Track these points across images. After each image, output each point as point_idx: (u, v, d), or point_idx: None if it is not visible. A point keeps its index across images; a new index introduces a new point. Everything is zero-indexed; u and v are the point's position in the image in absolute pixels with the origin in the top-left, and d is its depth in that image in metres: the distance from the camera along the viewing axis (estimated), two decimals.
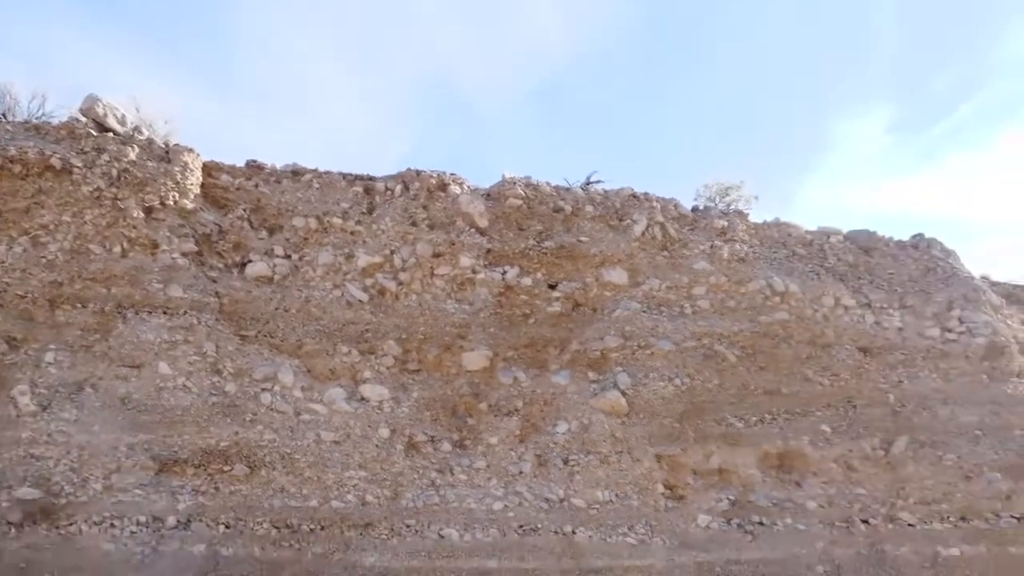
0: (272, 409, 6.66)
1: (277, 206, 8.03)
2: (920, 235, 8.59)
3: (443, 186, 8.30)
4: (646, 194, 8.58)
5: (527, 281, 7.93)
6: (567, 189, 8.57)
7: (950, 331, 7.90)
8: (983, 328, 7.83)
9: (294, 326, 7.49)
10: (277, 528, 6.15)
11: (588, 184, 8.79)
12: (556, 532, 6.57)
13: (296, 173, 8.07)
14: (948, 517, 7.27)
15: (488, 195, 8.39)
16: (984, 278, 8.87)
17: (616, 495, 6.93)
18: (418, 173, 8.34)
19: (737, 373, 7.65)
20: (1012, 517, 7.27)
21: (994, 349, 7.81)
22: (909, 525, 7.24)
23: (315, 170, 8.12)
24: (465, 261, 7.82)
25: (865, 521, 7.28)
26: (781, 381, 7.71)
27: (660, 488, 7.13)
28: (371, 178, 8.26)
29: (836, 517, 7.28)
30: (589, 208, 8.39)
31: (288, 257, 7.79)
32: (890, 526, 7.24)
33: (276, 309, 7.51)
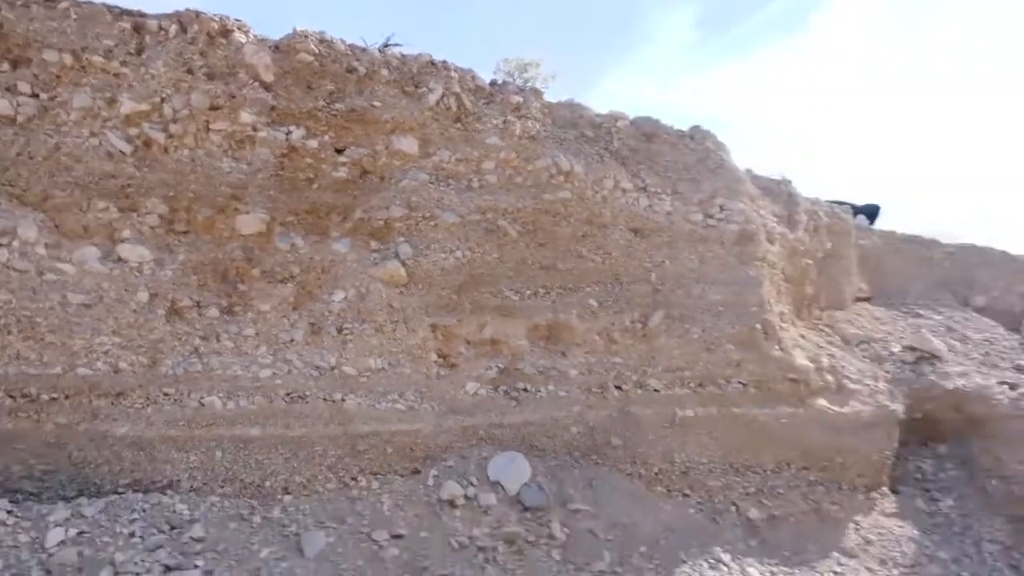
0: (9, 267, 6.35)
1: (24, 35, 7.26)
2: (697, 127, 9.51)
3: (226, 32, 7.87)
4: (444, 63, 8.66)
5: (313, 144, 7.89)
6: (363, 50, 8.43)
7: (711, 217, 9.01)
8: (738, 216, 9.01)
9: (40, 175, 6.99)
10: (12, 397, 6.05)
11: (386, 47, 8.69)
12: (325, 399, 7.02)
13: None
14: (689, 383, 8.61)
15: (276, 47, 8.07)
16: (748, 171, 10.06)
17: (389, 363, 7.46)
18: (198, 15, 7.79)
19: (517, 248, 8.29)
20: (739, 383, 8.75)
21: (745, 235, 9.04)
22: (655, 390, 8.50)
23: None
24: (246, 117, 7.60)
25: (619, 387, 8.43)
26: (557, 257, 8.47)
27: (433, 357, 7.76)
28: (142, 15, 7.58)
29: (594, 384, 8.35)
30: (384, 72, 8.36)
31: (36, 96, 7.15)
32: (639, 391, 8.45)
33: (19, 155, 6.96)
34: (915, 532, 9.14)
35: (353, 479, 7.13)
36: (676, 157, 9.24)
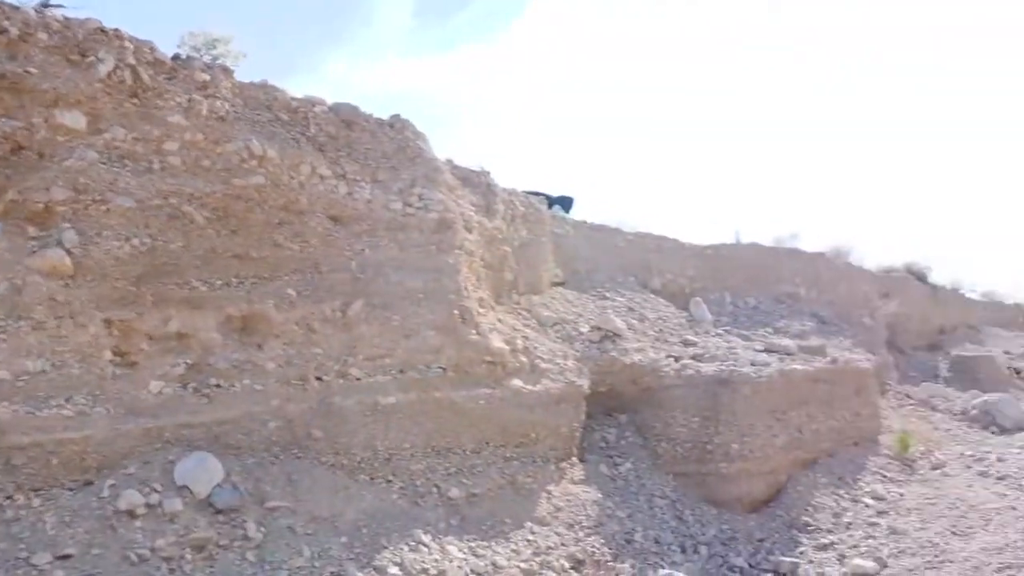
0: None
1: None
2: (397, 116, 9.90)
3: None
4: (117, 31, 8.07)
5: None
6: (15, 7, 7.57)
7: (410, 206, 9.44)
8: (437, 205, 9.54)
9: None
10: None
11: (45, 7, 7.88)
12: None
13: None
14: (390, 370, 8.98)
15: None
16: (448, 161, 10.67)
17: (52, 364, 6.88)
18: None
19: (205, 235, 8.04)
20: (439, 367, 9.30)
21: (444, 224, 9.60)
22: (357, 379, 8.75)
23: None
24: None
25: (319, 378, 8.55)
26: (251, 245, 8.36)
27: (108, 355, 7.28)
28: None
29: (293, 376, 8.38)
30: (43, 35, 7.60)
31: None
32: (341, 381, 8.64)
33: None
34: (599, 495, 10.37)
35: (8, 498, 6.48)
36: (375, 145, 9.52)
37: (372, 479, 8.79)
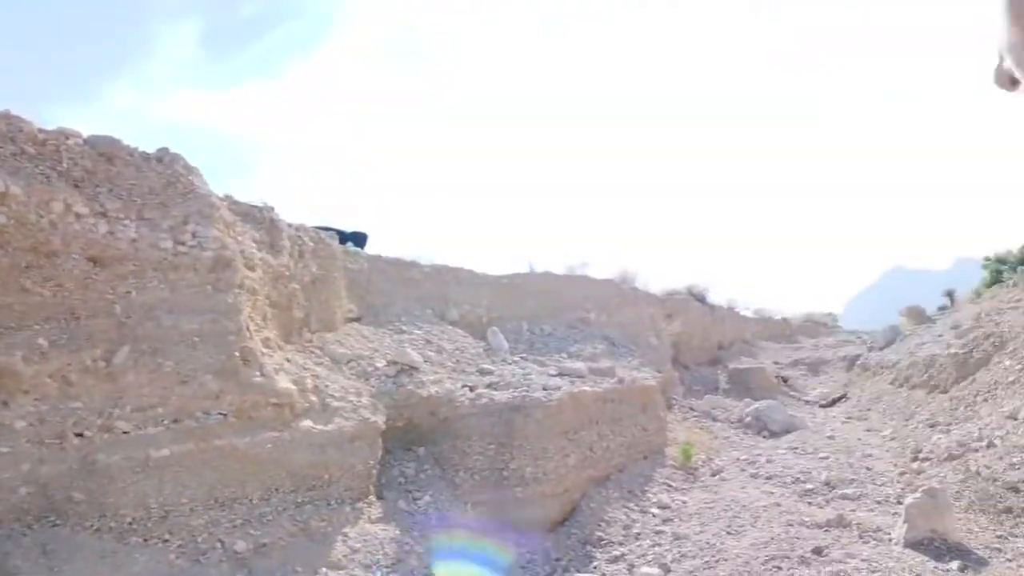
0: None
1: None
2: (165, 149, 9.36)
3: None
4: None
5: None
6: None
7: (183, 244, 8.93)
8: (213, 242, 9.10)
9: None
10: None
11: None
12: None
13: None
14: (162, 421, 8.38)
15: None
16: (227, 196, 10.24)
17: None
18: None
19: None
20: (220, 414, 8.81)
21: (221, 262, 9.17)
22: (124, 433, 8.09)
23: None
24: None
25: (80, 435, 7.81)
26: None
27: None
28: None
29: (47, 434, 7.61)
30: None
31: None
32: (105, 436, 7.96)
33: None
34: (397, 532, 10.22)
35: None
36: (141, 180, 8.94)
37: (146, 540, 8.13)
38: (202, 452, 8.58)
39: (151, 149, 9.26)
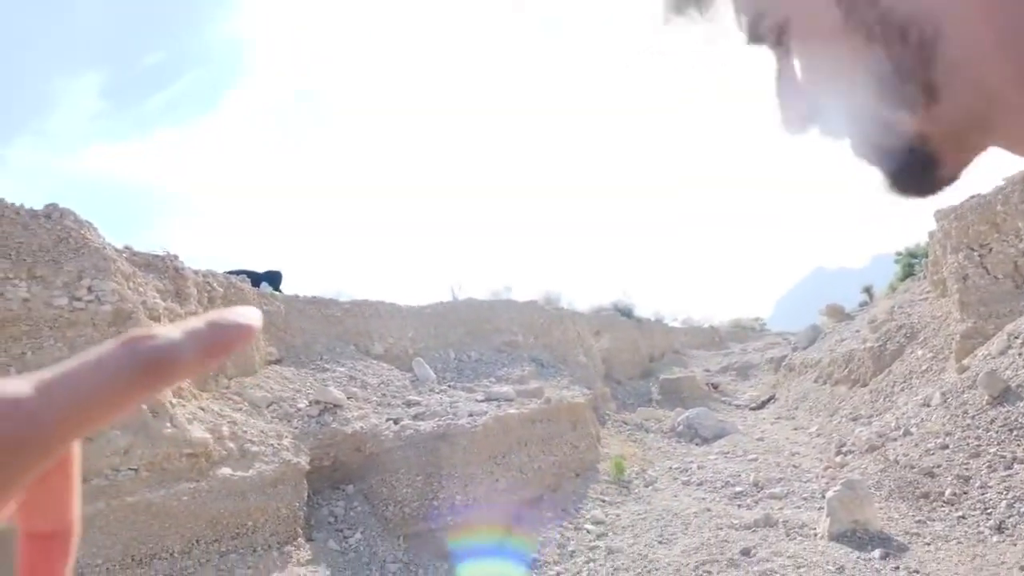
0: None
1: None
2: (54, 205, 9.21)
3: None
4: None
5: None
6: None
7: (79, 299, 8.76)
8: (111, 295, 8.95)
9: None
10: None
11: None
12: None
13: None
14: None
15: None
16: (126, 248, 10.09)
17: None
18: None
19: None
20: (130, 469, 8.61)
21: (121, 315, 9.01)
22: None
23: None
24: None
25: None
26: None
27: None
28: None
29: None
30: None
31: None
32: None
33: None
34: (327, 573, 10.09)
35: None
36: (30, 238, 8.76)
37: None
38: (114, 510, 8.37)
39: (39, 206, 9.10)
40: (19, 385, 0.31)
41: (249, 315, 0.38)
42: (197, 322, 0.35)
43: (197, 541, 9.21)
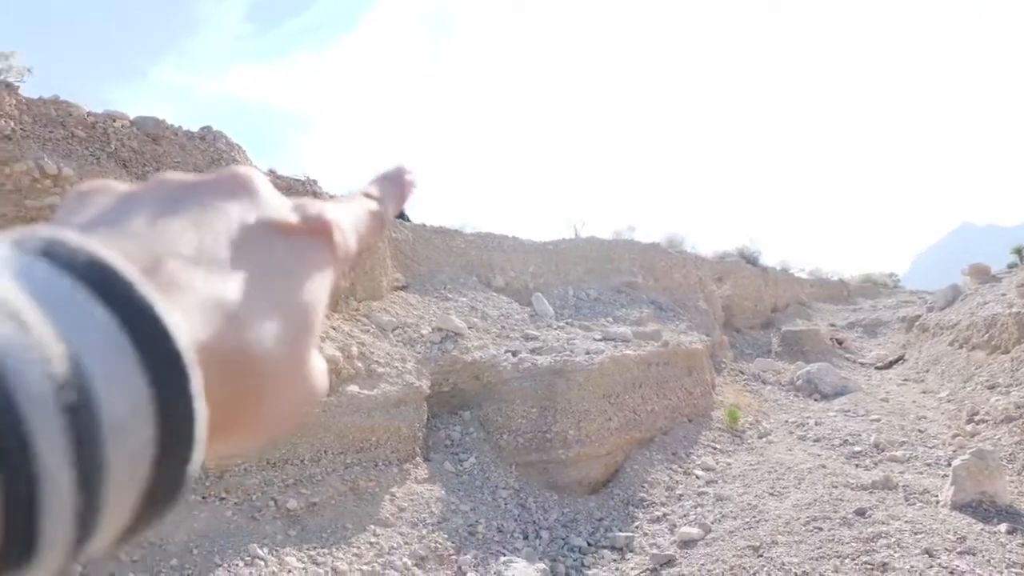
0: None
1: None
2: (208, 127, 9.70)
3: None
4: None
5: None
6: None
7: None
8: None
9: None
10: None
11: None
12: None
13: None
14: None
15: None
16: (270, 171, 10.56)
17: None
18: None
19: None
20: None
21: None
22: None
23: None
24: None
25: None
26: None
27: None
28: None
29: None
30: None
31: None
32: None
33: None
34: (443, 492, 10.56)
35: None
36: (185, 159, 9.30)
37: (204, 499, 8.61)
38: None
39: (195, 127, 9.61)
40: (325, 214, 0.39)
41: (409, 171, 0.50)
42: (385, 184, 0.47)
43: (325, 451, 9.79)
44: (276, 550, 8.40)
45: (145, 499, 0.29)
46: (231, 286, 0.32)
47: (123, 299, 0.27)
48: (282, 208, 0.37)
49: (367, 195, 0.44)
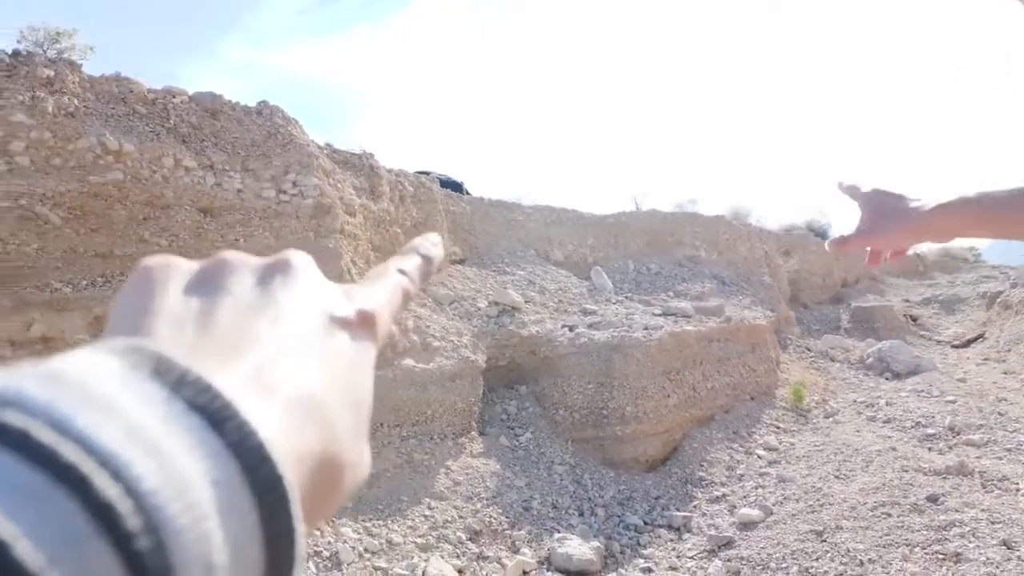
0: None
1: None
2: (265, 102, 9.75)
3: None
4: None
5: None
6: None
7: (284, 192, 9.34)
8: (313, 190, 9.47)
9: None
10: None
11: None
12: None
13: None
14: None
15: None
16: (327, 145, 10.59)
17: None
18: None
19: (63, 236, 7.85)
20: None
21: (320, 209, 9.54)
22: None
23: None
24: None
25: None
26: (115, 243, 8.18)
27: None
28: None
29: None
30: None
31: None
32: None
33: None
34: (498, 467, 10.55)
35: None
36: (243, 133, 9.38)
37: None
38: None
39: (252, 103, 9.68)
40: (372, 303, 0.40)
41: (436, 244, 0.51)
42: (415, 259, 0.49)
43: (381, 424, 9.86)
44: (332, 520, 8.52)
45: None
46: (316, 385, 0.33)
47: (234, 432, 0.27)
48: (339, 298, 0.39)
49: (400, 271, 0.46)
